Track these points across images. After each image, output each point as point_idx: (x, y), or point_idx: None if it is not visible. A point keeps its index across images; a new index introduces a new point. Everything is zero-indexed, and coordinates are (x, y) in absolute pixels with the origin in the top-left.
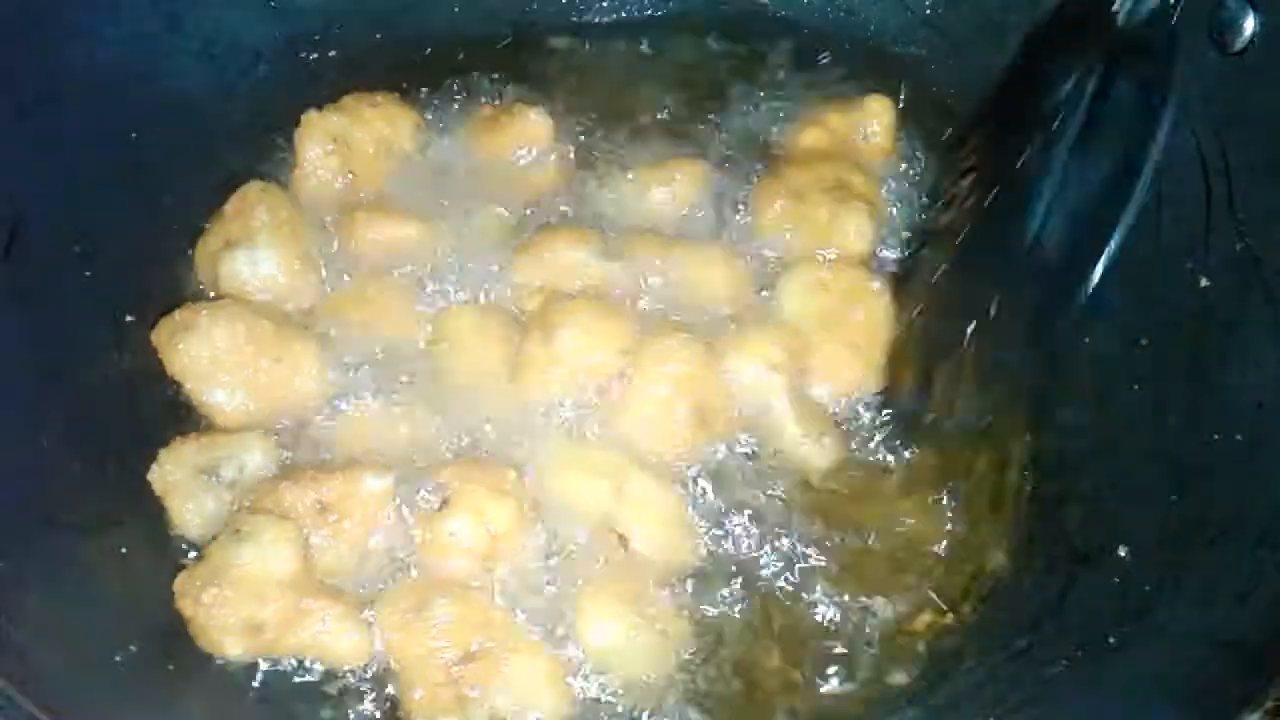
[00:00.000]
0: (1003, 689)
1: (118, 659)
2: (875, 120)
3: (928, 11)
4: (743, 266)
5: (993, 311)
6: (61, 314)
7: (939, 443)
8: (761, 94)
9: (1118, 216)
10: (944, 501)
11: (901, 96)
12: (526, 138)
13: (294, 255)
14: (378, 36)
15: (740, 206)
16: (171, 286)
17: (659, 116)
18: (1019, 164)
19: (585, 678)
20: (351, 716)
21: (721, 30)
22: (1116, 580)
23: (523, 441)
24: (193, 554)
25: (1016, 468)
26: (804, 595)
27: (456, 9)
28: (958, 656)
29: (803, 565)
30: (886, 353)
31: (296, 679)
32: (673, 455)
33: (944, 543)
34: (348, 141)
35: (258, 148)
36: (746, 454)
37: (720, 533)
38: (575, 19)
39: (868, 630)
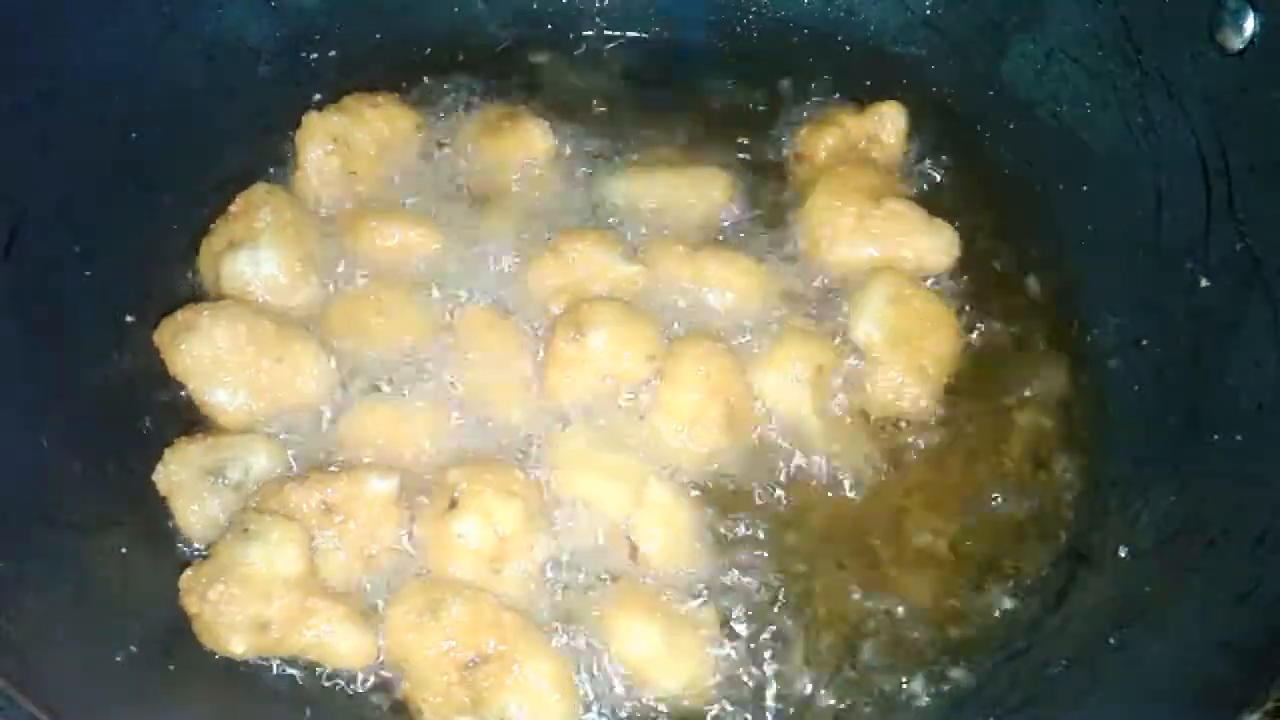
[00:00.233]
0: (1003, 689)
1: (118, 659)
2: (889, 125)
3: (928, 11)
4: (767, 275)
5: None
6: (61, 314)
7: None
8: (762, 94)
9: None
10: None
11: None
12: (528, 144)
13: (296, 256)
14: (378, 36)
15: (758, 211)
16: (172, 286)
17: (659, 116)
18: None
19: (602, 684)
20: (352, 717)
21: (721, 31)
22: (1116, 580)
23: (537, 442)
24: (193, 553)
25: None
26: (809, 599)
27: (456, 9)
28: (957, 657)
29: (814, 574)
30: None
31: (297, 680)
32: (700, 460)
33: (953, 549)
34: (348, 142)
35: (258, 148)
36: (770, 464)
37: (733, 538)
38: (576, 19)
39: (869, 631)
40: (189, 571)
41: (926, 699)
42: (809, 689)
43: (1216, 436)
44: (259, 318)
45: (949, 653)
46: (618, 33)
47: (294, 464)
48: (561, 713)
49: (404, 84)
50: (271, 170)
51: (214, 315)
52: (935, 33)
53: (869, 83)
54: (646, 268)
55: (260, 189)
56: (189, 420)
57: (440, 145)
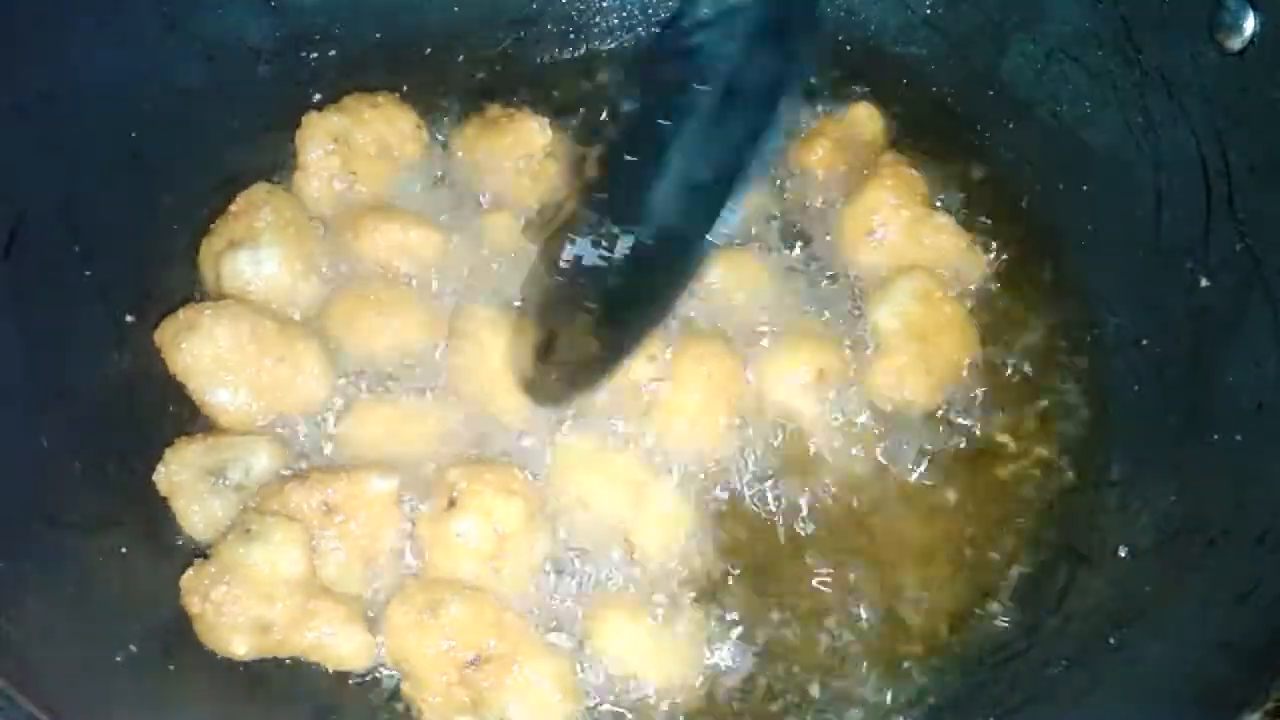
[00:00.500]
0: (1003, 689)
1: (118, 659)
2: (866, 126)
3: (928, 11)
4: (776, 276)
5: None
6: (61, 314)
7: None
8: None
9: (729, 192)
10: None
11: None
12: (526, 142)
13: (296, 256)
14: (378, 36)
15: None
16: (172, 286)
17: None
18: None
19: (601, 684)
20: (352, 717)
21: None
22: (1116, 580)
23: (538, 442)
24: (193, 554)
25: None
26: (806, 600)
27: (456, 9)
28: (957, 658)
29: (813, 574)
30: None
31: (297, 680)
32: (700, 460)
33: (954, 550)
34: (348, 142)
35: (258, 148)
36: (771, 465)
37: (731, 541)
38: (576, 19)
39: (868, 631)
40: (190, 572)
41: (927, 700)
42: (805, 690)
43: (1216, 436)
44: (260, 317)
45: (949, 653)
46: (618, 33)
47: (295, 464)
48: (562, 712)
49: (404, 84)
50: (271, 170)
51: (215, 315)
52: (935, 33)
53: (869, 83)
54: None
55: (260, 189)
56: (189, 420)
57: (440, 145)
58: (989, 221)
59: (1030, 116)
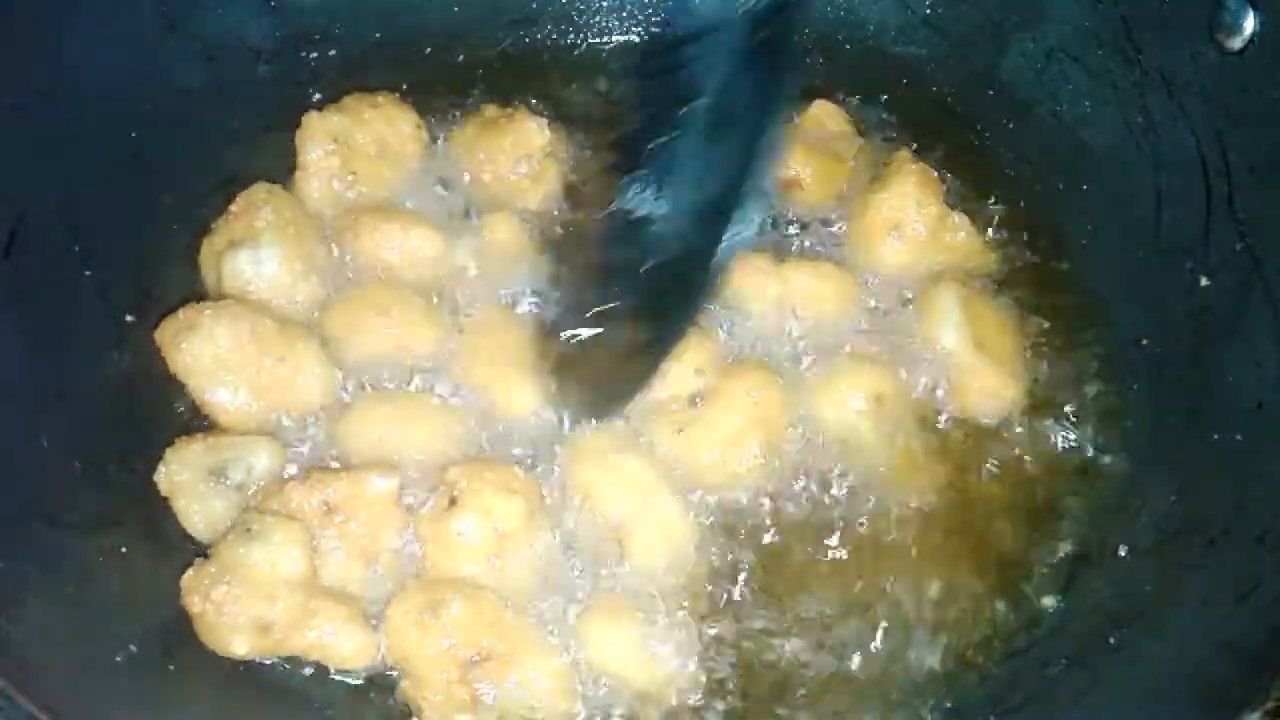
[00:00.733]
0: (1003, 689)
1: (118, 659)
2: (831, 122)
3: (928, 11)
4: (856, 285)
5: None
6: (61, 314)
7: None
8: None
9: (734, 204)
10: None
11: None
12: (526, 142)
13: (297, 256)
14: (378, 36)
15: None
16: (172, 286)
17: None
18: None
19: (595, 682)
20: (352, 716)
21: None
22: (1116, 580)
23: (544, 441)
24: (193, 554)
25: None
26: (803, 600)
27: (456, 9)
28: (957, 658)
29: (813, 585)
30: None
31: (298, 680)
32: (722, 484)
33: (953, 553)
34: (348, 142)
35: (258, 148)
36: (789, 498)
37: (733, 560)
38: (576, 19)
39: (866, 631)
40: (191, 572)
41: (927, 699)
42: (804, 691)
43: (1216, 436)
44: (260, 317)
45: (948, 653)
46: (618, 33)
47: (295, 464)
48: (560, 711)
49: (404, 84)
50: (272, 170)
51: (216, 314)
52: (935, 32)
53: (869, 83)
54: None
55: (260, 189)
56: (190, 420)
57: (440, 145)
58: (989, 221)
59: (1030, 116)
